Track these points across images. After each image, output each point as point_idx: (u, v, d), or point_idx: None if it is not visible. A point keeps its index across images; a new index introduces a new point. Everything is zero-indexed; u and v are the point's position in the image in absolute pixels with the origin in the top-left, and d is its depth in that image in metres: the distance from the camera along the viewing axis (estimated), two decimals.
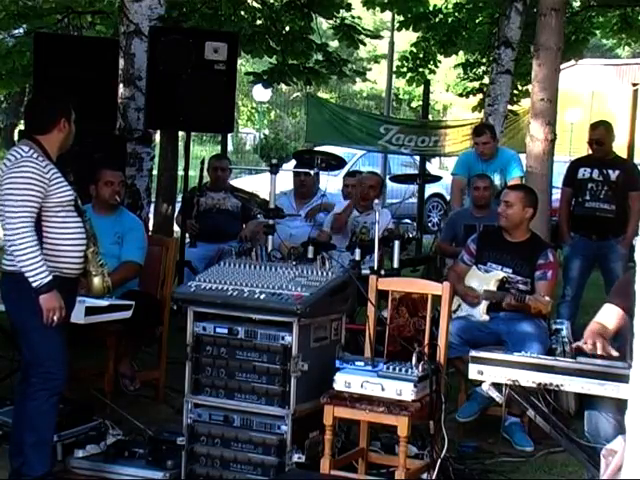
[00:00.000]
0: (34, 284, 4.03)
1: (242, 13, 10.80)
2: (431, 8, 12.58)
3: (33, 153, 4.13)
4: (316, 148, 12.06)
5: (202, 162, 7.96)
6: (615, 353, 3.98)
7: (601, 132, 7.08)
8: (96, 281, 4.28)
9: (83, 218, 4.25)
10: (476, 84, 13.73)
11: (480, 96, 13.23)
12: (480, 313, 5.50)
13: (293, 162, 9.27)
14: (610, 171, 7.02)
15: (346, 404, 4.14)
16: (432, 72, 13.95)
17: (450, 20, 12.60)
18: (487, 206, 6.91)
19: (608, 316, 4.15)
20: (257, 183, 13.92)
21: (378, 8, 12.60)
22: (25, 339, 4.25)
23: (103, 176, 5.81)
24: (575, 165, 7.26)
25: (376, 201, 6.17)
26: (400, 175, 10.93)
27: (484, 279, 5.55)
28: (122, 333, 5.43)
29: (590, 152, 7.32)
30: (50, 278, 4.05)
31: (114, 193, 5.79)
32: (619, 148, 10.01)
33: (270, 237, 6.17)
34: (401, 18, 12.66)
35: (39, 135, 4.22)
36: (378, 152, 15.42)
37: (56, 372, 4.18)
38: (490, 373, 3.96)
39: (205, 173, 8.10)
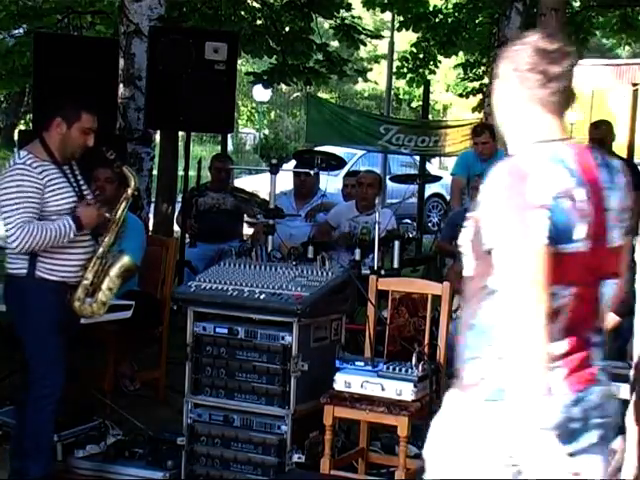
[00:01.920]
0: (72, 232, 4.05)
1: (242, 13, 10.81)
2: (431, 8, 12.59)
3: (28, 159, 4.09)
4: (316, 148, 12.06)
5: (199, 162, 7.97)
6: None
7: (603, 131, 7.06)
8: (75, 305, 4.18)
9: (77, 214, 4.19)
10: (476, 84, 13.74)
11: (480, 96, 13.23)
12: None
13: (293, 162, 9.27)
14: None
15: (346, 404, 4.13)
16: (432, 72, 13.96)
17: (450, 20, 12.61)
18: None
19: None
20: (257, 183, 13.92)
21: (378, 8, 12.61)
22: (23, 342, 4.25)
23: (95, 173, 5.80)
24: None
25: (377, 201, 6.18)
26: (400, 175, 10.92)
27: None
28: (122, 333, 5.43)
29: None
30: (68, 219, 4.06)
31: (96, 189, 5.77)
32: (619, 148, 9.99)
33: (270, 237, 6.17)
34: (401, 18, 12.67)
35: (44, 132, 4.22)
36: (378, 152, 15.41)
37: (50, 378, 4.14)
38: None
39: (203, 173, 8.11)
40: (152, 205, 8.56)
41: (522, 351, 2.17)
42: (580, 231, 2.24)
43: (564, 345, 2.27)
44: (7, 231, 4.04)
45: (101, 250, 4.21)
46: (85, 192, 4.27)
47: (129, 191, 4.32)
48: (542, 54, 2.30)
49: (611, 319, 4.16)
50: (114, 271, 4.23)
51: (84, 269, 4.18)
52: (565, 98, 2.34)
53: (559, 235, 2.20)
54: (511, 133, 2.40)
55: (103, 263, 4.21)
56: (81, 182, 4.27)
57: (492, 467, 2.27)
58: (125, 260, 4.27)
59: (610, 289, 2.37)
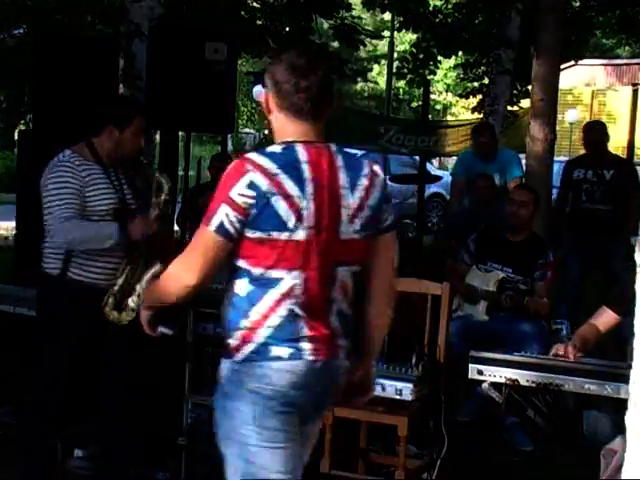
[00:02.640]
0: (113, 241, 3.99)
1: (242, 13, 10.82)
2: (431, 8, 12.59)
3: (72, 158, 4.06)
4: None
5: (199, 162, 7.96)
6: (571, 357, 4.03)
7: (597, 135, 7.08)
8: (105, 312, 4.10)
9: (128, 229, 4.11)
10: (476, 84, 13.74)
11: (480, 96, 13.24)
12: (480, 313, 5.50)
13: None
14: (605, 171, 7.02)
15: (346, 404, 4.13)
16: (432, 72, 13.95)
17: (450, 20, 12.61)
18: (488, 205, 6.91)
19: (602, 319, 4.18)
20: None
21: (378, 8, 12.62)
22: (39, 345, 4.15)
23: None
24: (570, 166, 7.25)
25: None
26: (400, 175, 10.92)
27: (484, 279, 5.55)
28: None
29: (585, 152, 7.30)
30: (115, 226, 4.00)
31: None
32: (619, 148, 9.99)
33: None
34: (401, 18, 12.67)
35: (94, 138, 4.18)
36: (378, 152, 15.42)
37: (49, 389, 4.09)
38: (490, 373, 3.96)
39: (203, 173, 8.10)
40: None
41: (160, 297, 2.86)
42: (294, 222, 2.65)
43: (305, 319, 2.73)
44: (48, 225, 4.00)
45: (131, 259, 4.14)
46: (127, 197, 4.20)
47: (162, 197, 4.25)
48: (294, 69, 2.73)
49: (612, 318, 4.17)
50: (146, 278, 4.17)
51: (115, 274, 4.13)
52: (315, 107, 2.74)
53: (272, 225, 2.65)
54: (275, 134, 2.82)
55: (134, 269, 4.19)
56: (125, 186, 4.21)
57: (258, 416, 2.72)
58: (157, 267, 4.22)
59: (346, 275, 2.80)
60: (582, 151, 7.35)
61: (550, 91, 6.96)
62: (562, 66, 7.61)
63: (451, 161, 15.73)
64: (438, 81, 25.76)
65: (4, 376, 5.33)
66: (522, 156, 7.66)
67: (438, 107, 32.11)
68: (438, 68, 14.10)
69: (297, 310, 2.72)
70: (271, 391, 2.71)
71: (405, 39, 23.32)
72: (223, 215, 2.72)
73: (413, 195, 12.40)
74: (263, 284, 2.70)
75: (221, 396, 2.80)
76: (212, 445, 4.30)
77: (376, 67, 33.23)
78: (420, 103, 18.06)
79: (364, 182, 2.78)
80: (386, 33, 20.88)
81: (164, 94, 7.02)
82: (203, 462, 4.36)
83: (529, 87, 8.37)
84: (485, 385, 4.01)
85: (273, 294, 2.71)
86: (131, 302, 4.12)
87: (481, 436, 5.20)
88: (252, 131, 34.07)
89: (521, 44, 10.23)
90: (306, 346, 2.73)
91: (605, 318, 4.15)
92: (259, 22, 10.89)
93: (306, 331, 2.74)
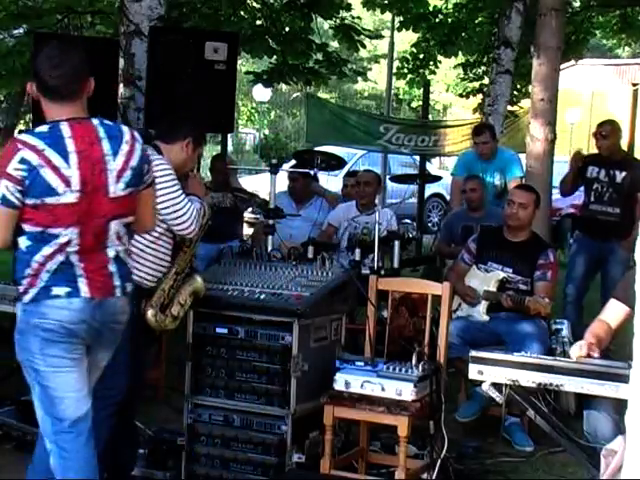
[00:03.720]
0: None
1: (242, 13, 10.81)
2: (431, 8, 12.58)
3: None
4: (316, 148, 12.05)
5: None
6: (595, 355, 3.97)
7: (607, 128, 6.86)
8: (149, 314, 4.07)
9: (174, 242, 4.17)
10: (476, 84, 13.74)
11: (480, 96, 13.24)
12: (480, 313, 5.50)
13: (293, 162, 9.27)
14: (617, 172, 6.89)
15: (346, 404, 4.14)
16: (432, 72, 13.95)
17: (450, 20, 12.60)
18: (480, 207, 6.89)
19: (612, 313, 4.14)
20: (257, 183, 13.92)
21: (378, 9, 12.60)
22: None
23: None
24: (586, 160, 7.10)
25: (377, 201, 6.17)
26: (400, 175, 10.91)
27: (484, 279, 5.55)
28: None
29: (597, 148, 7.13)
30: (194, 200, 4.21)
31: None
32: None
33: (270, 237, 6.17)
34: (401, 18, 12.66)
35: (163, 143, 4.21)
36: (378, 152, 15.41)
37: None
38: (490, 373, 3.96)
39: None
40: None
41: None
42: (63, 188, 3.17)
43: (81, 265, 3.27)
44: (181, 217, 4.08)
45: (177, 266, 4.17)
46: None
47: (203, 220, 4.28)
48: (47, 59, 3.29)
49: (622, 311, 4.11)
50: (186, 289, 4.17)
51: (160, 279, 4.12)
52: (72, 89, 3.32)
53: (43, 192, 3.16)
54: (45, 116, 3.30)
55: (178, 279, 4.17)
56: None
57: (41, 346, 3.25)
58: (197, 283, 4.22)
59: (119, 226, 3.34)
60: (581, 151, 7.30)
61: (550, 91, 6.95)
62: (562, 66, 7.59)
63: (451, 161, 15.72)
64: (438, 81, 25.74)
65: (4, 376, 5.33)
66: (522, 156, 7.64)
67: (438, 107, 32.12)
68: (438, 68, 14.07)
69: (73, 257, 3.26)
70: (50, 324, 3.23)
71: (405, 39, 23.31)
72: (4, 188, 3.16)
73: (413, 195, 12.43)
74: (41, 240, 3.22)
75: (16, 333, 3.31)
76: (212, 445, 4.33)
77: (376, 67, 33.22)
78: (420, 103, 18.06)
79: (125, 148, 3.32)
80: (386, 33, 20.85)
81: (164, 94, 7.01)
82: (203, 462, 4.36)
83: (529, 87, 8.37)
84: (485, 385, 4.01)
85: (50, 247, 3.22)
86: (174, 310, 4.12)
87: (481, 436, 5.20)
88: (252, 131, 34.08)
89: (521, 44, 10.22)
90: (83, 286, 3.27)
91: (614, 312, 4.11)
92: (259, 22, 10.88)
93: (82, 274, 3.28)
